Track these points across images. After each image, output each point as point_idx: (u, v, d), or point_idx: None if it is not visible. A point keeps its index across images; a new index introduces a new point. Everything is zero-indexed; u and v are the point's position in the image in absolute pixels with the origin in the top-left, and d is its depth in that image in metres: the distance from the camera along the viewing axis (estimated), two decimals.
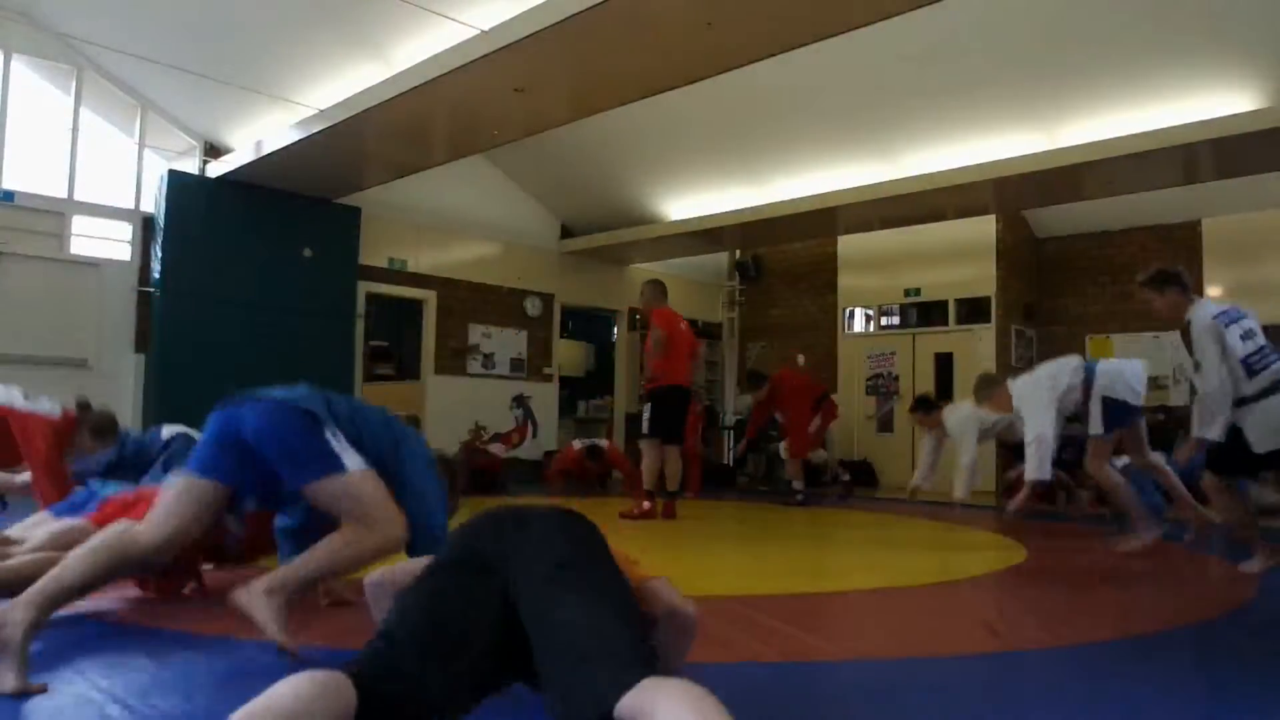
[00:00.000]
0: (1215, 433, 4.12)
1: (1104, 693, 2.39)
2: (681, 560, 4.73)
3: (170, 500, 2.46)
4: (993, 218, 9.93)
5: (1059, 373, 4.86)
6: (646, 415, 6.80)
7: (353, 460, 2.40)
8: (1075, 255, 10.49)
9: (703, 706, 1.29)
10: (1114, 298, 10.16)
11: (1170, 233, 9.71)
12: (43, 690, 1.92)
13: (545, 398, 11.06)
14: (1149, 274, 4.43)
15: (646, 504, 6.53)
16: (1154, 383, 9.77)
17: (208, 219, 8.30)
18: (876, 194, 8.70)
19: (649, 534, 5.98)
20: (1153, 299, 4.39)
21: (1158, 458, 5.28)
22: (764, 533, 6.35)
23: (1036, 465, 4.65)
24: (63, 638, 2.57)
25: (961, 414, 7.09)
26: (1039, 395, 4.80)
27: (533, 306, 10.99)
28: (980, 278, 10.18)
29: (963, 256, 10.32)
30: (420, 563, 1.87)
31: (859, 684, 2.45)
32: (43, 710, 1.89)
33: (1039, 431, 4.69)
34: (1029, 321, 10.46)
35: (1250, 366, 4.09)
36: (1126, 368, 4.91)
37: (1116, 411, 4.76)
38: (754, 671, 2.47)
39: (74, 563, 2.25)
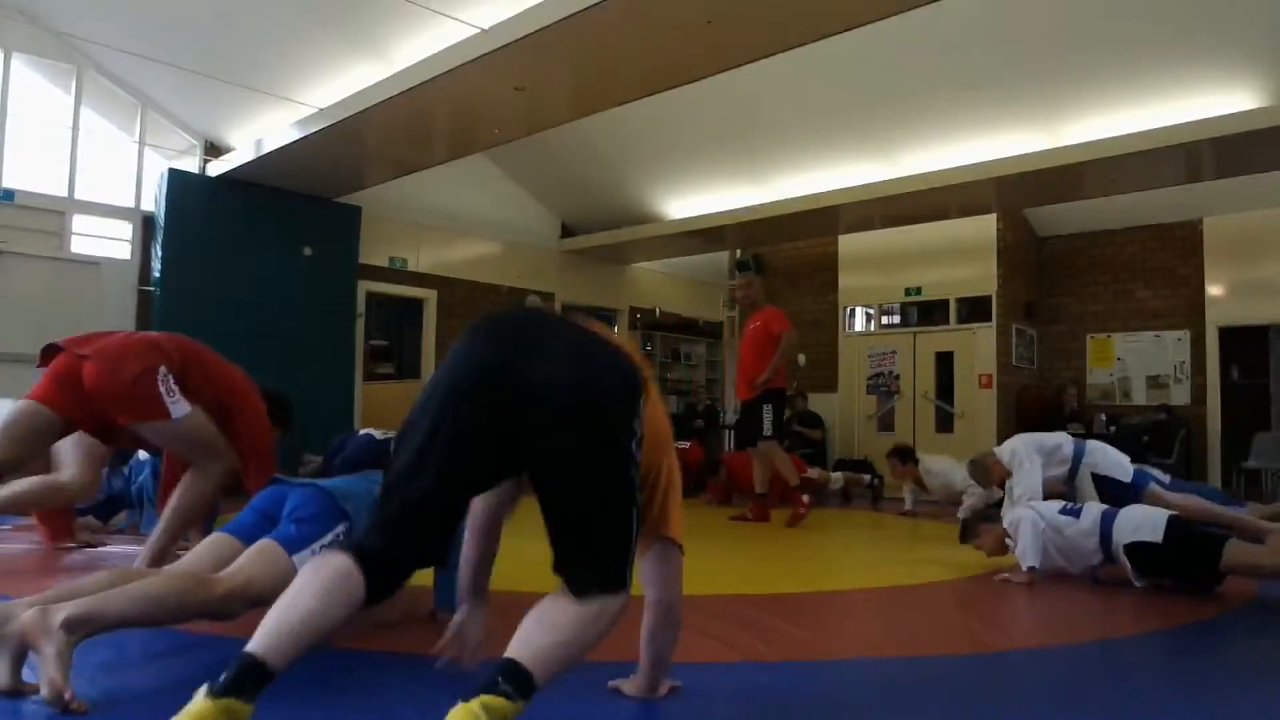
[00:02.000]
0: None
1: (1105, 690, 2.38)
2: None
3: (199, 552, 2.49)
4: (994, 216, 9.91)
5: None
6: (769, 418, 6.70)
7: (300, 556, 2.35)
8: (1076, 254, 10.48)
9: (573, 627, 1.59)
10: (1115, 297, 10.16)
11: (1171, 231, 9.71)
12: (35, 691, 1.90)
13: None
14: None
15: (806, 499, 6.59)
16: (1155, 381, 9.80)
17: (208, 218, 8.29)
18: (877, 193, 8.70)
19: None
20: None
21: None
22: (764, 532, 6.34)
23: (1026, 547, 3.97)
24: None
25: (944, 468, 7.17)
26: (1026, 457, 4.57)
27: (533, 306, 10.98)
28: (981, 276, 10.16)
29: (963, 255, 10.30)
30: None
31: (861, 682, 2.45)
32: (41, 714, 1.89)
33: (1026, 489, 4.33)
34: (1030, 320, 10.45)
35: None
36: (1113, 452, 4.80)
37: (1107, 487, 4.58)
38: (755, 671, 2.47)
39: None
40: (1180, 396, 9.57)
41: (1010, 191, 8.67)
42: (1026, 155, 7.66)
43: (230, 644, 2.54)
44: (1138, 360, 9.94)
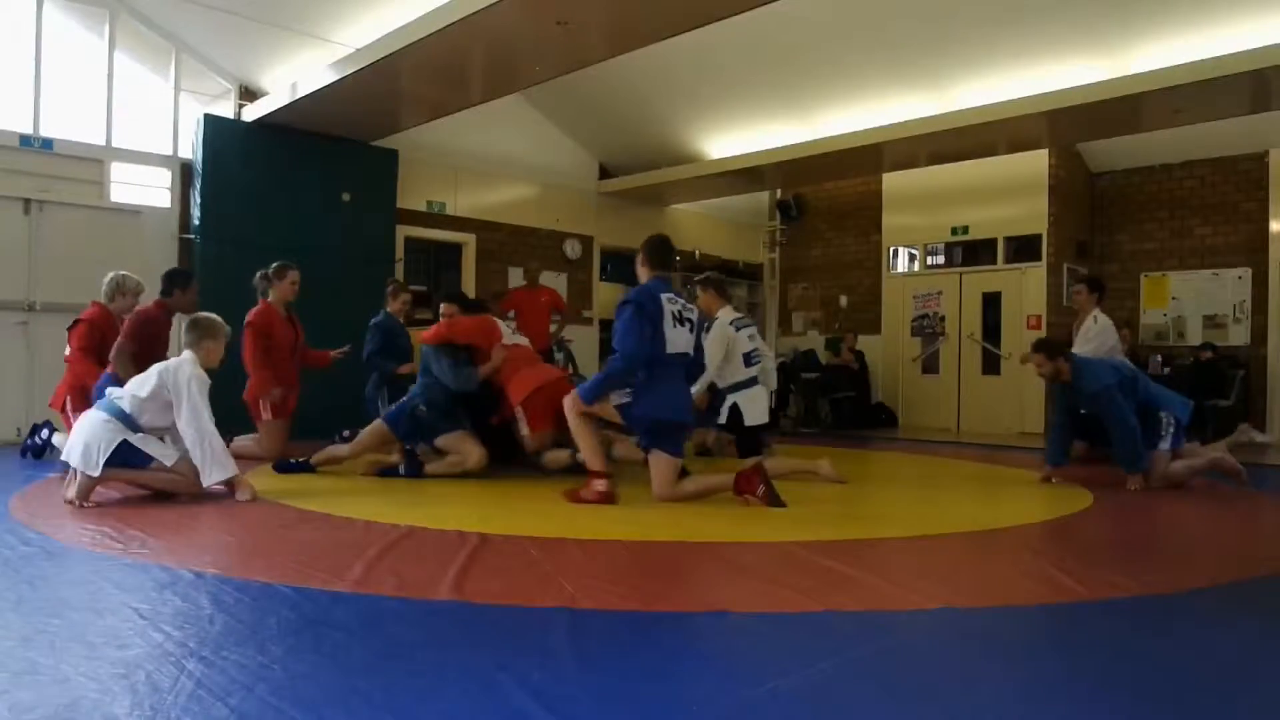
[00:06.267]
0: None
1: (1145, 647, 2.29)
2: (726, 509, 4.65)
3: None
4: (1045, 152, 9.60)
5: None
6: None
7: None
8: (1131, 190, 10.15)
9: None
10: (1172, 234, 9.85)
11: (1234, 165, 9.34)
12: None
13: (586, 341, 10.98)
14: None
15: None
16: (1211, 321, 9.52)
17: (245, 164, 8.21)
18: (924, 128, 8.41)
19: None
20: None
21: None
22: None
23: None
24: (127, 580, 2.56)
25: None
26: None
27: (572, 249, 10.86)
28: (1031, 215, 9.89)
29: (1013, 193, 10.02)
30: None
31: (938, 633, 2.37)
32: (120, 662, 1.86)
33: None
34: (1082, 259, 10.17)
35: (748, 359, 5.89)
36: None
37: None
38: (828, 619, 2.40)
39: None
40: (1239, 336, 9.31)
41: (1065, 125, 8.34)
42: (1083, 87, 7.35)
43: (293, 591, 2.51)
44: (1194, 299, 9.66)
